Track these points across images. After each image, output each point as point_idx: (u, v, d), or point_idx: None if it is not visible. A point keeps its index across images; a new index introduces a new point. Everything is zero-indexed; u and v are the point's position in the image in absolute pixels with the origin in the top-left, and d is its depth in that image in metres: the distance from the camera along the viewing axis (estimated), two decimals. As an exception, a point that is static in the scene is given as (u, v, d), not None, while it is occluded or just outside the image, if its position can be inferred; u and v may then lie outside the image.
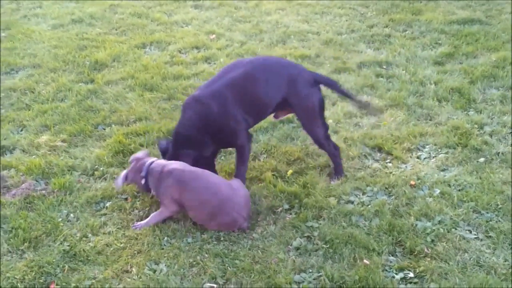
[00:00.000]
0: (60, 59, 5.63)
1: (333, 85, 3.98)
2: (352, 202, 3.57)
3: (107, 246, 3.20)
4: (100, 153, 4.09)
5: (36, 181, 3.77)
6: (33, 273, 2.99)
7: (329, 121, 4.28)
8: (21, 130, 4.42)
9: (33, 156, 4.05)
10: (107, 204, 3.56)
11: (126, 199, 3.60)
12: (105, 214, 3.48)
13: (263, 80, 3.64)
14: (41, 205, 3.51)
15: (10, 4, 7.28)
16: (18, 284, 2.93)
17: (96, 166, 3.94)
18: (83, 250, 3.15)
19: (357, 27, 6.59)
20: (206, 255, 3.12)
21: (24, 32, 6.33)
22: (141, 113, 4.64)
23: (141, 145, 4.16)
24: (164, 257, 3.11)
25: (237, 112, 3.57)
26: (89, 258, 3.10)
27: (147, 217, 3.38)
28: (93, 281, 2.96)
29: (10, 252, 3.16)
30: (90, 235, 3.28)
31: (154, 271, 3.01)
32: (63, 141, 4.26)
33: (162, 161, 3.45)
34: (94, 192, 3.66)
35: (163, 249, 3.16)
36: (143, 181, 3.39)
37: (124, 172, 3.47)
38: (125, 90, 5.05)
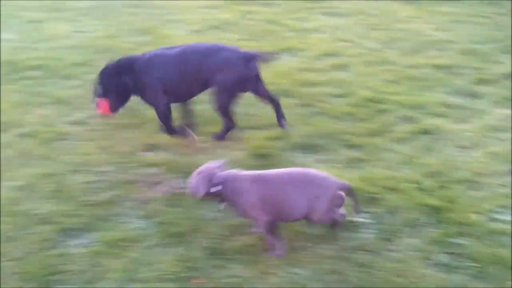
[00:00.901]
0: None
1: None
2: (498, 220, 3.45)
3: (250, 246, 3.30)
4: (241, 155, 4.22)
5: (182, 179, 3.94)
6: (180, 267, 3.14)
7: (469, 134, 4.20)
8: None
9: (178, 155, 4.25)
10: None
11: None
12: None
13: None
14: (186, 202, 3.67)
15: (152, 10, 7.65)
16: (167, 276, 3.08)
17: (238, 168, 4.06)
18: (227, 248, 3.27)
19: (496, 36, 6.37)
20: (347, 264, 3.14)
21: (166, 36, 6.63)
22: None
23: (281, 150, 4.26)
24: (304, 262, 3.16)
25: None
26: (232, 257, 3.21)
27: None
28: (237, 279, 3.06)
29: (158, 245, 3.34)
30: (234, 234, 3.39)
31: (295, 275, 3.07)
32: (207, 142, 4.43)
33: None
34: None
35: (303, 254, 3.21)
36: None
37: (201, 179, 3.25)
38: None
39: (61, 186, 3.92)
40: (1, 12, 7.88)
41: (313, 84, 5.39)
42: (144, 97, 4.50)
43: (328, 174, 3.24)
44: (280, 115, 4.62)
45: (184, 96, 4.56)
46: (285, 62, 5.93)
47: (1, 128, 4.71)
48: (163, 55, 4.45)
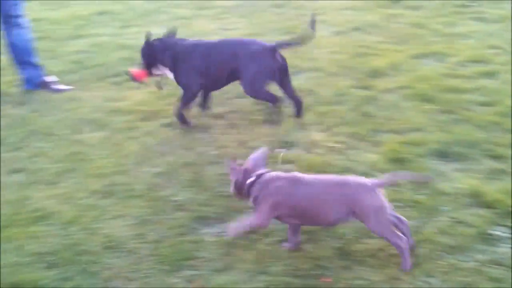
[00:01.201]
0: (339, 65, 5.83)
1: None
2: None
3: (379, 250, 3.23)
4: (375, 158, 4.16)
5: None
6: (310, 264, 3.14)
7: None
8: (302, 129, 4.66)
9: (312, 154, 4.26)
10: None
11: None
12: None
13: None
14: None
15: (296, 10, 7.72)
16: (296, 272, 3.10)
17: (371, 171, 4.01)
18: (356, 250, 3.23)
19: None
20: (481, 278, 2.99)
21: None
22: (417, 124, 4.62)
23: (418, 156, 4.15)
24: (436, 272, 3.04)
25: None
26: (361, 259, 3.17)
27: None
28: (364, 281, 3.02)
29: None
30: (363, 237, 3.35)
31: (424, 283, 2.97)
32: (340, 142, 4.41)
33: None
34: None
35: (436, 264, 3.10)
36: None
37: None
38: (401, 99, 5.06)
39: (198, 176, 4.06)
40: (151, 8, 8.30)
41: (457, 90, 5.18)
42: (178, 77, 4.88)
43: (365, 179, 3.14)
44: (299, 115, 4.79)
45: (215, 84, 4.93)
46: (429, 67, 5.77)
47: (146, 117, 4.97)
48: (202, 43, 4.94)
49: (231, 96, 5.29)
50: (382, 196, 3.06)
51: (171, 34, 5.01)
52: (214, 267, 3.19)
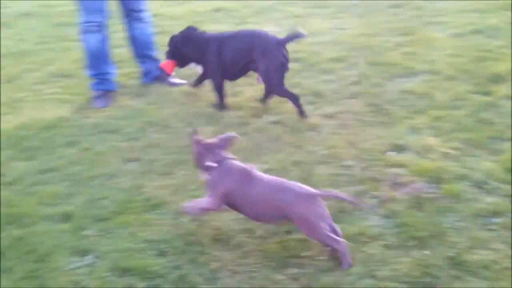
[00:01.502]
0: (457, 68, 5.63)
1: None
2: None
3: (493, 262, 3.10)
4: (492, 166, 3.98)
5: (427, 183, 3.85)
6: (418, 272, 3.06)
7: None
8: (415, 132, 4.54)
9: (425, 159, 4.15)
10: (496, 220, 3.45)
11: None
12: (493, 230, 3.37)
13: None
14: (429, 207, 3.58)
15: (414, 11, 7.53)
16: (404, 278, 3.03)
17: (487, 179, 3.85)
18: (469, 261, 3.11)
19: None
20: None
21: (425, 38, 6.49)
22: (539, 133, 4.39)
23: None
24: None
25: None
26: (473, 270, 3.05)
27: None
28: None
29: (396, 246, 3.29)
30: (477, 247, 3.22)
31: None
32: (456, 148, 4.26)
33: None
34: (484, 206, 3.58)
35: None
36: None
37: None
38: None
39: (307, 174, 4.05)
40: (265, 5, 8.37)
41: None
42: (204, 69, 5.33)
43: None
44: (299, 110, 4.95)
45: (235, 74, 5.21)
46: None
47: (256, 113, 5.03)
48: (221, 36, 5.19)
49: (342, 96, 5.25)
50: (322, 205, 3.20)
51: (192, 29, 5.32)
52: (319, 267, 3.18)
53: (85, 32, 5.51)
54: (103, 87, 5.68)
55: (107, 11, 5.52)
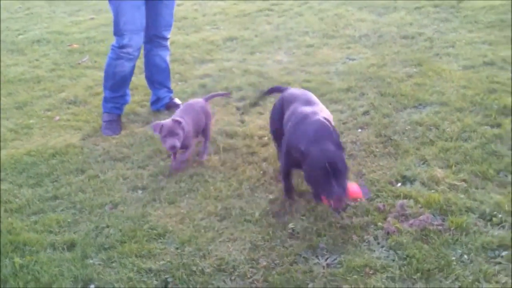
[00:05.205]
0: (467, 100, 5.60)
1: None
2: None
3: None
4: (500, 199, 3.93)
5: (433, 215, 3.81)
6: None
7: None
8: (423, 164, 4.51)
9: (432, 191, 4.11)
10: (503, 253, 3.40)
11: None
12: (499, 263, 3.32)
13: None
14: (436, 240, 3.53)
15: (425, 42, 7.54)
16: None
17: (495, 212, 3.80)
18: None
19: None
20: None
21: (435, 70, 6.48)
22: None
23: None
24: None
25: None
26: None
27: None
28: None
29: (402, 279, 3.25)
30: (482, 281, 3.17)
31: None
32: (463, 181, 4.22)
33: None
34: (491, 238, 3.53)
35: None
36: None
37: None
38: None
39: (314, 205, 4.02)
40: (279, 34, 8.44)
41: None
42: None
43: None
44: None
45: None
46: None
47: (265, 143, 5.03)
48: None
49: (351, 126, 5.23)
50: None
51: None
52: (322, 299, 3.15)
53: (120, 58, 5.45)
54: (116, 111, 5.67)
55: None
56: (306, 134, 3.77)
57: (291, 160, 3.90)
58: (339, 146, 3.73)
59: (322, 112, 4.08)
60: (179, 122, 4.49)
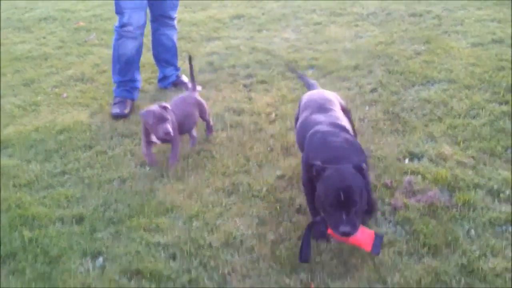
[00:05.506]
0: (476, 77, 5.57)
1: None
2: None
3: (506, 270, 3.06)
4: (507, 176, 3.93)
5: (441, 191, 3.81)
6: (430, 278, 3.03)
7: None
8: (431, 141, 4.50)
9: (440, 167, 4.11)
10: (510, 229, 3.41)
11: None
12: (507, 238, 3.33)
13: None
14: (443, 216, 3.54)
15: (433, 20, 7.48)
16: (414, 285, 3.02)
17: (503, 189, 3.80)
18: (481, 269, 3.07)
19: None
20: None
21: (444, 47, 6.44)
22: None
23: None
24: None
25: None
26: (486, 278, 3.01)
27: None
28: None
29: (409, 253, 3.26)
30: (489, 255, 3.18)
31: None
32: (471, 157, 4.21)
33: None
34: (498, 214, 3.53)
35: None
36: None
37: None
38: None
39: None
40: (286, 12, 8.39)
41: None
42: None
43: None
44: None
45: None
46: None
47: (272, 119, 5.02)
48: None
49: (359, 104, 5.22)
50: None
51: None
52: (329, 272, 3.16)
53: (122, 37, 5.40)
54: (128, 95, 5.57)
55: (146, 15, 5.45)
56: (325, 149, 3.27)
57: (310, 175, 3.22)
58: (362, 170, 3.08)
59: (343, 121, 3.62)
60: (165, 107, 4.27)
